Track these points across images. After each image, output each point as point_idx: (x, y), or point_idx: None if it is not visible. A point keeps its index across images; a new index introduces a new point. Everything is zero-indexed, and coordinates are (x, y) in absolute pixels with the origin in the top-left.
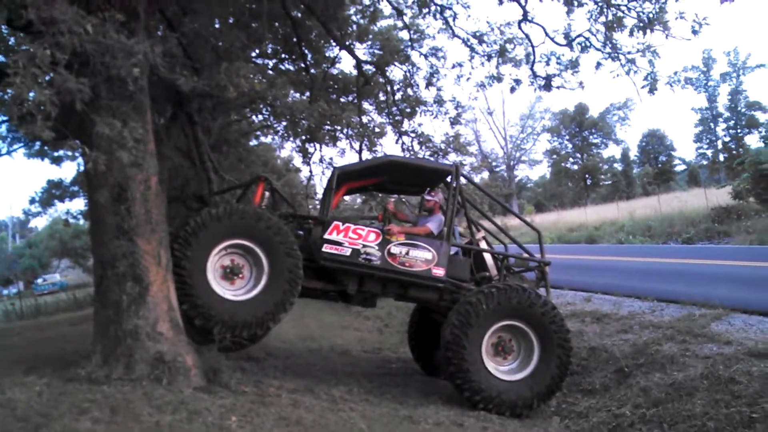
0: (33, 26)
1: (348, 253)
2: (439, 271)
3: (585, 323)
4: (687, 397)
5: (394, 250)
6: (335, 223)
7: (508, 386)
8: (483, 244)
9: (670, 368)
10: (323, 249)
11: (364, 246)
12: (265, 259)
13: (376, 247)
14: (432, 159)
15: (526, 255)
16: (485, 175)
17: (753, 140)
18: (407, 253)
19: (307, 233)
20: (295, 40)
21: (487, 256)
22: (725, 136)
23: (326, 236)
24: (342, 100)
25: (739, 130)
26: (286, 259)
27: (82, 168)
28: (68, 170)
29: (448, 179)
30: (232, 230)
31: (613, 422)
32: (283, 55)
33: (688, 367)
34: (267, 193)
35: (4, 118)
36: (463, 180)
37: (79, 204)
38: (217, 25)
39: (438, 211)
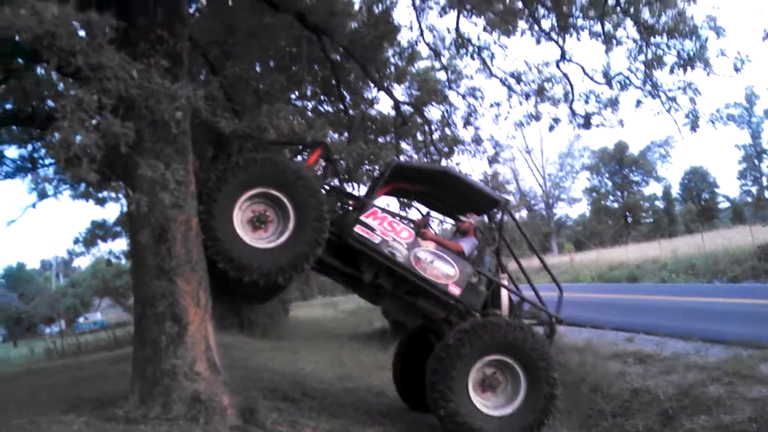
0: (81, 72)
1: (377, 241)
2: (456, 290)
3: (627, 364)
4: None
5: (421, 254)
6: (375, 208)
7: (496, 422)
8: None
9: (716, 411)
10: (355, 229)
11: (394, 240)
12: (290, 205)
13: (405, 245)
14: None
15: (541, 306)
16: (524, 213)
17: None
18: (432, 262)
19: (346, 213)
20: (334, 82)
21: (504, 298)
22: None
23: (362, 218)
24: (380, 140)
25: None
26: (310, 199)
27: (125, 209)
28: (112, 211)
29: (494, 210)
30: (257, 179)
31: None
32: (322, 97)
33: (735, 409)
34: (322, 161)
35: (52, 161)
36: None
37: (121, 244)
38: (258, 69)
39: (472, 234)
